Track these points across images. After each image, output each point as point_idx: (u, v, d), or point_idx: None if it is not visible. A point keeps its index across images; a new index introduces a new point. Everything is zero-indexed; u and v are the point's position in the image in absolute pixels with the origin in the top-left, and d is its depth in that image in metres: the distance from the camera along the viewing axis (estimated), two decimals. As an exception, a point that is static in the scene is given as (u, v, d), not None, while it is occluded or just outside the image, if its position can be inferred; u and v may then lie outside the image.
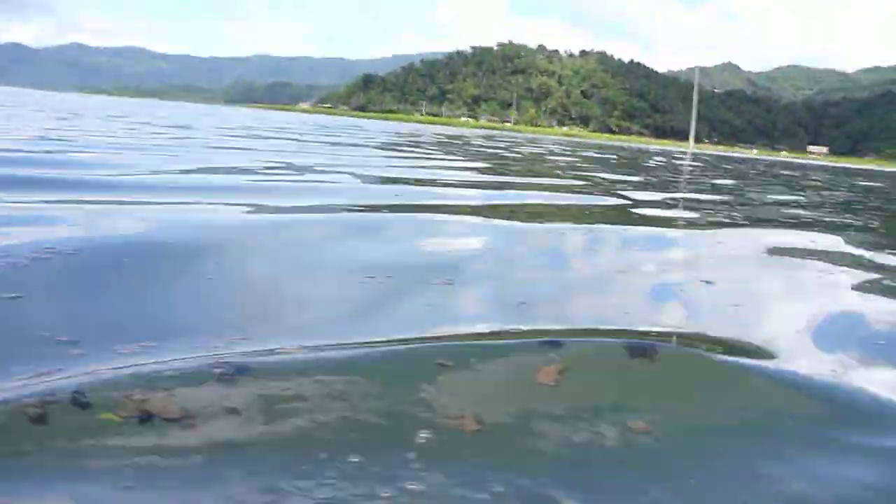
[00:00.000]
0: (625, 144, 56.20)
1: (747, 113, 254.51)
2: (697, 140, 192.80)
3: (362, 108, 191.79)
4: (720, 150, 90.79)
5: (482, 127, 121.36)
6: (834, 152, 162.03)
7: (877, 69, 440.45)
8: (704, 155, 47.17)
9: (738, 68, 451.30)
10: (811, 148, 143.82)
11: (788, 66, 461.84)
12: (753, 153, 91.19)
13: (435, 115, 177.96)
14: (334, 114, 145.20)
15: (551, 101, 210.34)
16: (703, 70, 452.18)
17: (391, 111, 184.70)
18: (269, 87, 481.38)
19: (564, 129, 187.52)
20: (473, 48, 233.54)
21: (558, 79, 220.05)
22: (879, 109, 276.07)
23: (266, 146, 10.72)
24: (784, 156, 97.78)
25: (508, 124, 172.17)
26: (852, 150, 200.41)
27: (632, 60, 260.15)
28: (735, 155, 62.04)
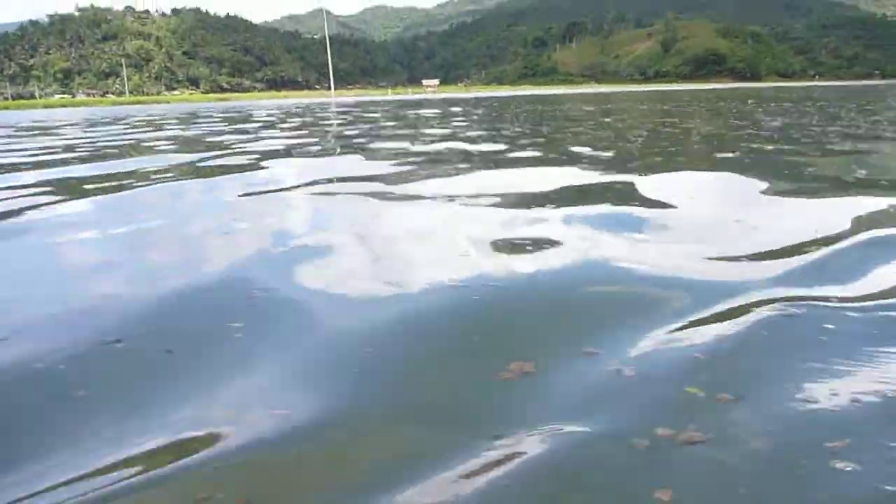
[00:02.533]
0: (266, 103, 56.03)
1: (349, 55, 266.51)
2: (320, 87, 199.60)
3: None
4: (358, 95, 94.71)
5: (80, 104, 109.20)
6: (442, 83, 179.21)
7: (449, 3, 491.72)
8: (368, 102, 43.93)
9: (330, 13, 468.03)
10: (426, 82, 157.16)
11: (375, 7, 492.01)
12: (389, 94, 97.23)
13: (24, 98, 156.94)
14: None
15: (154, 65, 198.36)
16: (295, 18, 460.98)
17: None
18: None
19: (175, 93, 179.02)
20: (50, 16, 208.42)
21: (157, 41, 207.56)
22: (460, 39, 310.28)
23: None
24: (413, 93, 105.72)
25: (112, 97, 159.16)
26: (448, 79, 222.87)
27: (228, 14, 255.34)
28: (381, 98, 64.81)
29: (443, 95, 70.66)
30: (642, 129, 11.09)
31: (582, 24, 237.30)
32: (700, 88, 74.78)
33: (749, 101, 24.37)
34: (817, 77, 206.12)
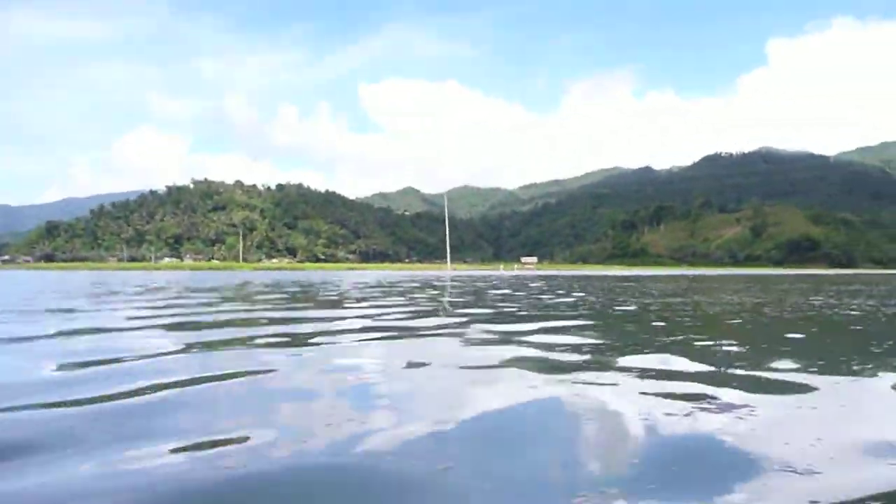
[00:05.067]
0: (382, 275, 57.24)
1: (438, 231, 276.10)
2: (409, 261, 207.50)
3: (49, 258, 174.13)
4: (474, 270, 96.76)
5: (189, 268, 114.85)
6: (541, 260, 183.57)
7: (533, 185, 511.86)
8: (490, 278, 43.80)
9: (418, 191, 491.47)
10: (525, 259, 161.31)
11: (462, 187, 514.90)
12: (501, 269, 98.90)
13: (136, 261, 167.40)
14: (17, 267, 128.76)
15: (257, 234, 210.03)
16: (384, 195, 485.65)
17: (83, 259, 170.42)
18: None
19: (274, 261, 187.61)
20: (168, 187, 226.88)
21: (261, 212, 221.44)
22: (545, 219, 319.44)
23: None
24: (519, 268, 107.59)
25: (216, 262, 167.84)
26: (542, 258, 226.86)
27: (327, 190, 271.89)
28: (497, 273, 63.56)
29: (546, 272, 70.41)
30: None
31: (669, 208, 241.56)
32: (806, 273, 73.47)
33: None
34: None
